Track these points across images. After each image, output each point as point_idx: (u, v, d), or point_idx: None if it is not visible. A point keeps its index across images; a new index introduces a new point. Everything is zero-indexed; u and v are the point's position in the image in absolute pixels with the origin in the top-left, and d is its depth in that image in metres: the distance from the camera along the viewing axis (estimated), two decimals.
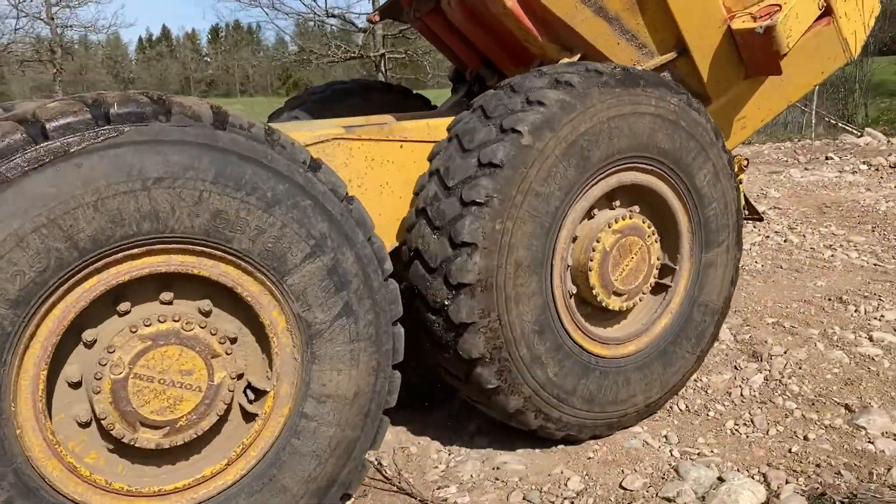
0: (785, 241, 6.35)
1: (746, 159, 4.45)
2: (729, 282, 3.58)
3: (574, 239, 3.07)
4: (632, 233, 3.16)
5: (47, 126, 1.91)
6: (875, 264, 5.65)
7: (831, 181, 8.84)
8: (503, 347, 2.79)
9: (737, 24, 3.63)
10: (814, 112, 14.46)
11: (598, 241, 3.06)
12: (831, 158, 10.89)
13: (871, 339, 4.14)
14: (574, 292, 3.13)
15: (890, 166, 9.75)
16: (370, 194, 2.96)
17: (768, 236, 6.52)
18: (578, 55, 3.40)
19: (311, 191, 2.30)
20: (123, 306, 2.14)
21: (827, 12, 3.89)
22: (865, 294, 4.88)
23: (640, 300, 3.31)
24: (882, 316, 4.45)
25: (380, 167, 2.99)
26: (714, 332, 3.57)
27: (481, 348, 2.75)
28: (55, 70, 42.51)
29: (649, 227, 3.24)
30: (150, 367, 2.13)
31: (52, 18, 41.70)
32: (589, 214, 3.12)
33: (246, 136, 2.19)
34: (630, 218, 3.16)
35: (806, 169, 9.92)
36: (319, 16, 21.33)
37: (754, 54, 3.61)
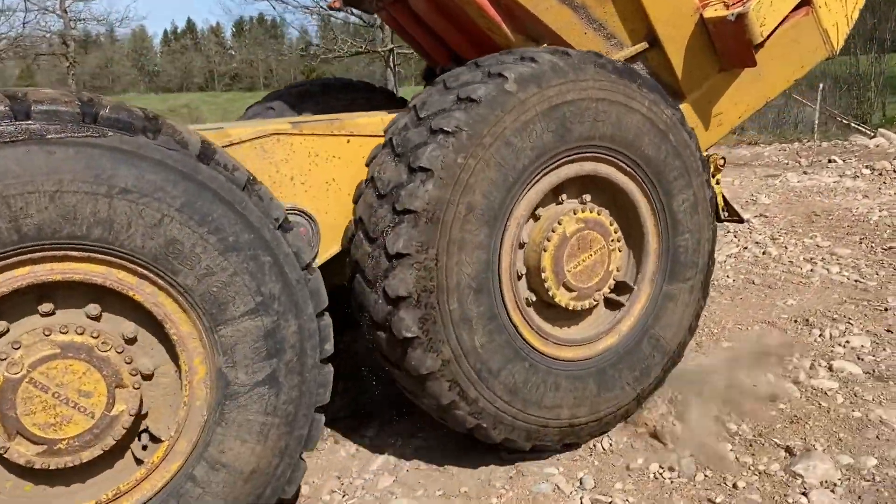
0: (763, 252, 6.00)
1: (723, 158, 4.17)
2: (686, 327, 3.38)
3: (536, 217, 2.97)
4: (596, 228, 3.04)
5: (33, 107, 1.94)
6: (856, 280, 5.29)
7: (828, 187, 8.44)
8: (433, 292, 2.63)
9: (709, 13, 3.47)
10: (817, 111, 13.94)
11: (559, 224, 2.94)
12: (834, 161, 10.45)
13: (830, 368, 3.82)
14: (523, 273, 3.00)
15: (894, 171, 9.30)
16: (315, 192, 2.85)
17: (747, 247, 6.17)
18: (543, 47, 3.20)
19: (274, 249, 2.26)
20: (46, 307, 2.07)
21: (805, 2, 3.68)
22: (835, 316, 4.54)
23: (590, 307, 3.12)
24: (847, 342, 4.12)
25: (325, 163, 2.87)
26: (660, 375, 3.34)
27: (410, 286, 2.60)
28: (68, 63, 42.78)
29: (616, 232, 3.12)
30: (48, 377, 2.04)
31: (66, 11, 41.94)
32: (557, 199, 3.03)
33: (227, 176, 2.19)
34: (598, 214, 3.05)
35: (804, 173, 9.51)
36: (324, 9, 21.14)
37: (727, 44, 3.44)
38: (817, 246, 6.14)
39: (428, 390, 2.78)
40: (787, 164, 10.75)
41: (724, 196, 4.41)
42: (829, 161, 10.55)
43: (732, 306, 4.89)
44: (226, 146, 2.58)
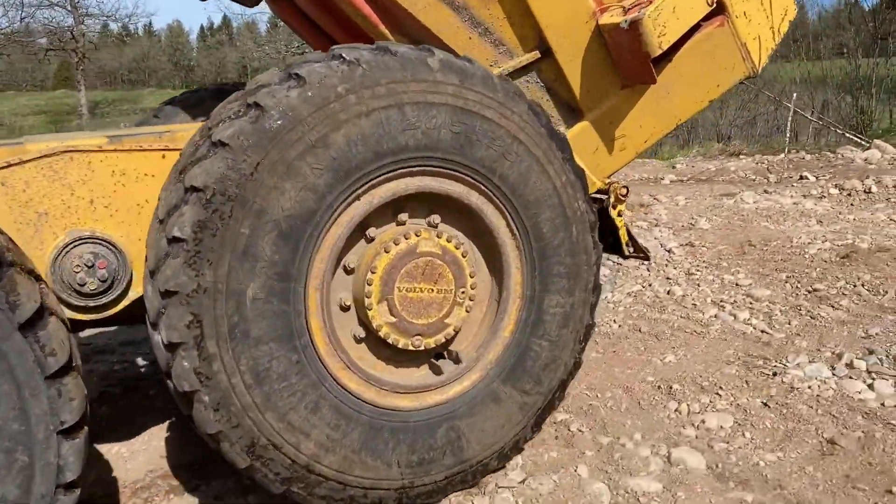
0: (668, 292, 5.26)
1: (625, 187, 3.56)
2: (507, 443, 2.92)
3: (369, 239, 2.66)
4: (450, 264, 2.70)
5: None
6: (761, 331, 4.55)
7: (782, 209, 7.64)
8: (212, 337, 2.25)
9: (605, 19, 3.07)
10: (789, 119, 13.02)
11: (405, 239, 2.61)
12: (805, 178, 9.61)
13: (668, 458, 3.11)
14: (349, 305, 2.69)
15: (865, 191, 8.46)
16: (123, 216, 2.52)
17: (650, 284, 5.44)
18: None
19: (36, 454, 1.92)
20: None
21: (719, 10, 3.21)
22: (707, 382, 3.82)
23: (404, 347, 2.68)
24: (703, 421, 3.40)
25: (134, 183, 2.54)
26: (441, 480, 2.80)
27: (182, 330, 2.22)
28: (77, 59, 42.69)
29: (472, 288, 2.77)
30: None
31: (75, 7, 41.77)
32: (396, 219, 2.70)
33: (37, 357, 1.95)
34: (457, 249, 2.72)
35: (765, 191, 8.70)
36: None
37: (623, 56, 3.07)
38: (736, 285, 5.39)
39: (223, 452, 2.35)
40: (754, 179, 9.93)
41: (627, 230, 3.78)
42: (801, 178, 9.72)
43: (599, 361, 4.18)
44: (3, 167, 2.34)
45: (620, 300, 5.16)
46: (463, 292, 2.73)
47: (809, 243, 6.21)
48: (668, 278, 5.56)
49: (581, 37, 3.08)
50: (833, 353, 4.17)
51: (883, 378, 3.82)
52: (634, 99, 3.32)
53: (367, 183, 2.47)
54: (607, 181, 3.64)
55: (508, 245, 2.83)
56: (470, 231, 2.85)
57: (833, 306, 4.86)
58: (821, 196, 8.44)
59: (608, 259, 5.98)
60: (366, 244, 2.66)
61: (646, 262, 5.84)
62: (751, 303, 5.02)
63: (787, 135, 12.53)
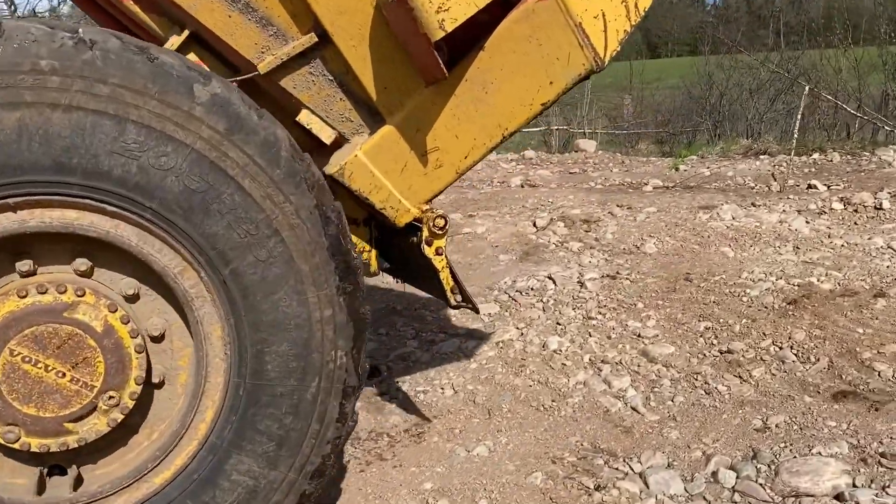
0: (543, 345, 4.23)
1: (443, 217, 2.65)
2: None
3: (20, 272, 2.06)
4: (105, 345, 2.05)
5: None
6: (632, 409, 3.52)
7: (758, 230, 6.39)
8: None
9: None
10: (798, 117, 11.41)
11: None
12: (814, 188, 8.22)
13: None
14: None
15: (875, 207, 7.09)
16: None
17: (523, 333, 4.40)
18: (186, 34, 2.45)
19: None
20: None
21: None
22: (494, 496, 2.83)
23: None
24: None
25: None
26: None
27: None
28: None
29: (136, 378, 2.11)
30: None
31: None
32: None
33: None
34: (128, 332, 2.09)
35: (752, 205, 7.41)
36: None
37: (406, 42, 2.37)
38: (636, 336, 4.30)
39: None
40: (753, 188, 8.60)
41: (453, 274, 2.84)
42: (808, 187, 8.34)
43: (389, 449, 3.23)
44: None
45: (479, 353, 4.17)
46: (112, 398, 2.07)
47: (759, 280, 5.03)
48: (557, 323, 4.51)
49: (361, 16, 2.38)
50: (704, 452, 3.12)
51: (749, 502, 2.77)
52: (444, 100, 2.52)
53: (27, 194, 1.93)
54: (424, 208, 2.70)
55: (214, 366, 2.14)
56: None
57: (741, 377, 3.74)
58: (820, 212, 7.11)
59: (504, 292, 4.98)
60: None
61: (537, 303, 4.81)
62: (639, 365, 3.95)
63: (795, 131, 10.94)
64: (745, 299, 4.72)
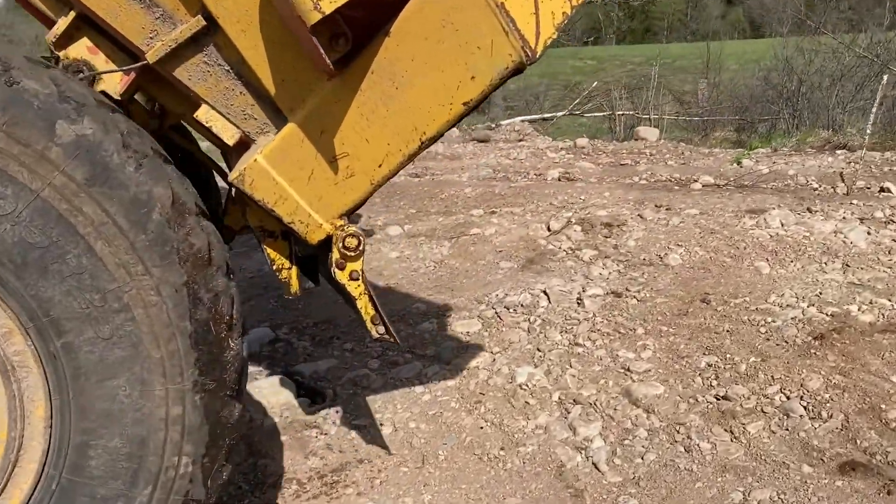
0: (510, 377, 3.72)
1: (356, 236, 2.29)
2: None
3: None
4: None
5: None
6: (592, 465, 3.02)
7: (805, 242, 5.60)
8: None
9: None
10: (874, 108, 10.13)
11: None
12: (887, 192, 7.26)
13: None
14: None
15: None
16: None
17: (494, 360, 3.89)
18: (73, 15, 2.19)
19: None
20: None
21: None
22: None
23: None
24: None
25: None
26: None
27: None
28: None
29: None
30: None
31: None
32: None
33: None
34: None
35: (808, 210, 6.56)
36: None
37: (292, 27, 2.02)
38: (623, 371, 3.73)
39: None
40: (816, 189, 7.69)
41: (372, 301, 2.45)
42: (881, 190, 7.39)
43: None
44: None
45: (438, 381, 3.70)
46: None
47: (787, 307, 4.33)
48: (537, 349, 3.98)
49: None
50: None
51: None
52: (348, 96, 2.13)
53: None
54: (338, 224, 2.30)
55: (29, 450, 1.87)
56: None
57: (732, 433, 3.15)
58: (887, 221, 6.23)
59: (492, 307, 4.49)
60: None
61: (522, 322, 4.28)
62: (616, 409, 3.40)
63: (869, 125, 9.75)
64: (763, 330, 4.05)
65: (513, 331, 4.23)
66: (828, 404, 3.26)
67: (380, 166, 2.22)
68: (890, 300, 4.37)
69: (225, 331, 1.92)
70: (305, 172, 2.20)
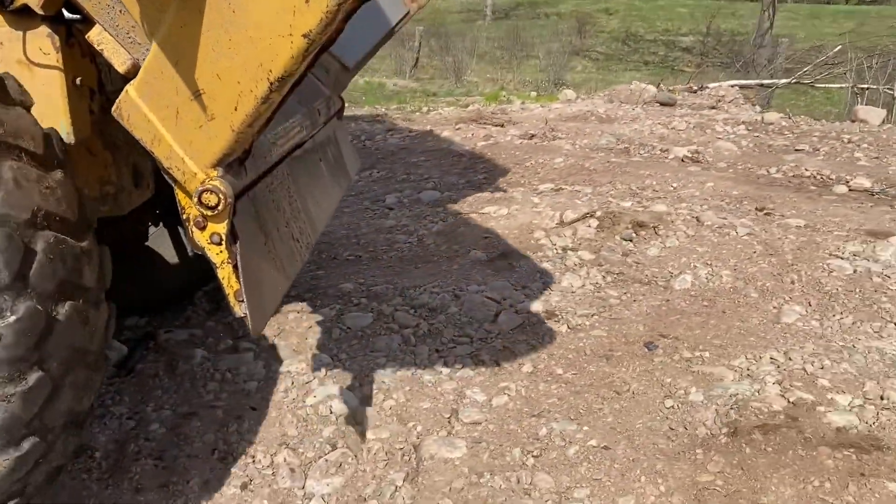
0: (300, 402, 3.12)
1: (216, 192, 2.09)
2: None
3: None
4: None
5: None
6: None
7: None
8: None
9: None
10: None
11: None
12: None
13: None
14: None
15: None
16: None
17: (298, 384, 3.29)
18: None
19: None
20: None
21: None
22: None
23: None
24: None
25: None
26: None
27: None
28: None
29: None
30: None
31: None
32: None
33: None
34: None
35: None
36: None
37: None
38: (446, 418, 2.95)
39: None
40: None
41: (237, 272, 2.19)
42: None
43: None
44: None
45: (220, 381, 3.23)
46: None
47: (745, 377, 3.10)
48: (392, 364, 3.30)
49: None
50: None
51: None
52: (193, 18, 1.82)
53: None
54: (212, 174, 2.06)
55: None
56: None
57: None
58: None
59: (403, 301, 3.88)
60: None
61: (400, 330, 3.58)
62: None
63: None
64: (672, 404, 2.94)
65: (388, 336, 3.56)
66: None
67: (235, 109, 1.88)
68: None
69: None
70: (171, 110, 1.95)
